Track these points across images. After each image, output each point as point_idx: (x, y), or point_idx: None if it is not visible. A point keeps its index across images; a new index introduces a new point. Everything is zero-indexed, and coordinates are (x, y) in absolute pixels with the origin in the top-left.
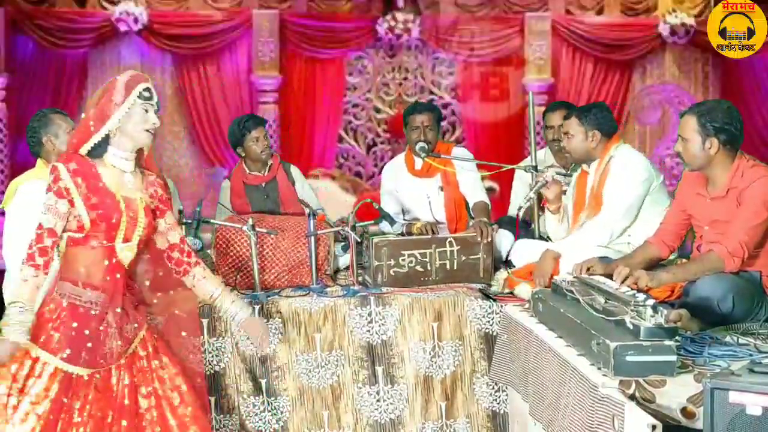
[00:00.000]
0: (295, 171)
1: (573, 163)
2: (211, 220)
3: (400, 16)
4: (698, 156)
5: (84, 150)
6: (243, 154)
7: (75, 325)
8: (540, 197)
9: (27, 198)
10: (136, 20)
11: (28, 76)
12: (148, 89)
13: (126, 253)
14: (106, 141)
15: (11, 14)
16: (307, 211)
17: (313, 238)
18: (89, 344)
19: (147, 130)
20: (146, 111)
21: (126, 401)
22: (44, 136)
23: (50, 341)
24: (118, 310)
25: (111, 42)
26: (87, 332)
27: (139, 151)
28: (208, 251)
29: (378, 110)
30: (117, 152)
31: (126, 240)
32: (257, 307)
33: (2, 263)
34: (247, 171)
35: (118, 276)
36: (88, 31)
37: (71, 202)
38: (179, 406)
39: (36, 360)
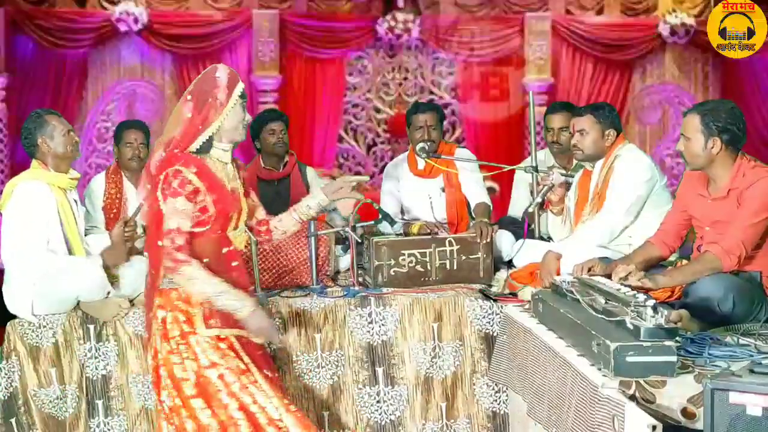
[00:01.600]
0: (311, 173)
1: (577, 163)
2: None
3: (400, 16)
4: (700, 155)
5: (192, 148)
6: (260, 147)
7: None
8: (542, 199)
9: (24, 199)
10: (136, 20)
11: (28, 76)
12: (243, 88)
13: (239, 239)
14: (210, 137)
15: (11, 14)
16: None
17: (313, 238)
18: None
19: (244, 127)
20: (243, 109)
21: None
22: (39, 137)
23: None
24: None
25: (111, 42)
26: None
27: None
28: None
29: (378, 110)
30: (220, 146)
31: (236, 227)
32: None
33: (2, 263)
34: (262, 165)
35: (234, 264)
36: (88, 31)
37: (202, 202)
38: None
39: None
